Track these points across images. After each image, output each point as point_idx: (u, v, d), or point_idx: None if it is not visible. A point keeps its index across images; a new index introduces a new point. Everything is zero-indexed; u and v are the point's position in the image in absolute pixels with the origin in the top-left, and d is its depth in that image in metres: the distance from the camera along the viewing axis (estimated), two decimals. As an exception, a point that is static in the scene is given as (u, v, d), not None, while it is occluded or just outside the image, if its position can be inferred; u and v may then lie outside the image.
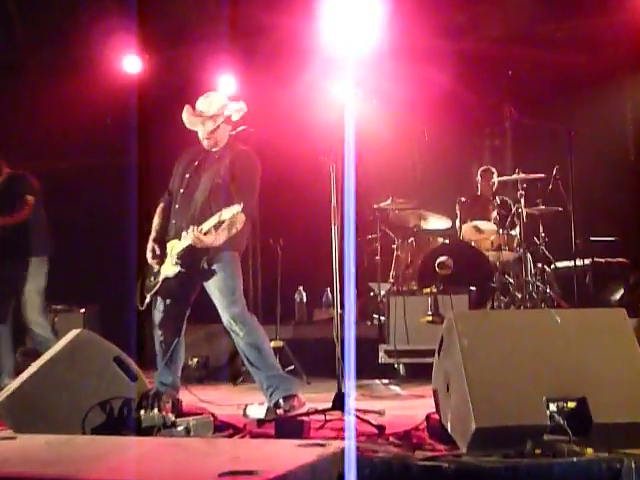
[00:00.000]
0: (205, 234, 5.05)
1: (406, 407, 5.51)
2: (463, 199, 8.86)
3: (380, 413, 4.74)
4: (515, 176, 8.31)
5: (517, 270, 8.39)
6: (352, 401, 4.62)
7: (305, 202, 8.85)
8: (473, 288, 7.83)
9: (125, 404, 4.10)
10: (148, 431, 3.98)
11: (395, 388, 6.87)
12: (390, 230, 8.87)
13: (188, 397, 5.26)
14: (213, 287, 5.30)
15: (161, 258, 5.39)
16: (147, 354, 8.14)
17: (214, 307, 5.45)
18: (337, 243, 4.79)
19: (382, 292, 8.42)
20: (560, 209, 8.33)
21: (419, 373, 7.11)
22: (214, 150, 5.53)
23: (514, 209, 8.38)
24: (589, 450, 3.30)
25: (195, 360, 7.23)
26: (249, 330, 5.24)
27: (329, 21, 8.13)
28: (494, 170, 8.84)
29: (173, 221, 5.47)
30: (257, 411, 4.88)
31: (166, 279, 5.35)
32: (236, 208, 4.86)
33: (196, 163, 5.55)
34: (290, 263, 7.99)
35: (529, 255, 8.45)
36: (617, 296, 8.51)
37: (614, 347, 3.71)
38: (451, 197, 9.01)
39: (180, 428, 4.08)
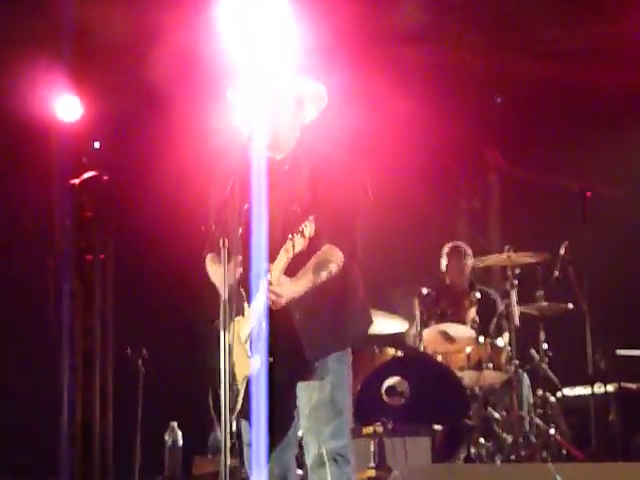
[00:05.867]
0: None
1: None
2: (425, 291, 7.54)
3: None
4: (504, 256, 7.07)
5: (506, 400, 7.19)
6: None
7: (179, 291, 7.62)
8: (439, 427, 6.75)
9: None
10: None
11: None
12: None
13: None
14: (308, 399, 4.15)
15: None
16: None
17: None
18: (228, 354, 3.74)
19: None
20: (571, 306, 7.05)
21: None
22: (278, 158, 4.19)
23: (502, 307, 7.27)
24: None
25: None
26: (343, 473, 4.08)
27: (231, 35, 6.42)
28: (467, 248, 7.58)
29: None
30: None
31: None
32: None
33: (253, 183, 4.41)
34: (157, 385, 7.00)
35: (525, 377, 7.28)
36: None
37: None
38: (408, 288, 7.77)
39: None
